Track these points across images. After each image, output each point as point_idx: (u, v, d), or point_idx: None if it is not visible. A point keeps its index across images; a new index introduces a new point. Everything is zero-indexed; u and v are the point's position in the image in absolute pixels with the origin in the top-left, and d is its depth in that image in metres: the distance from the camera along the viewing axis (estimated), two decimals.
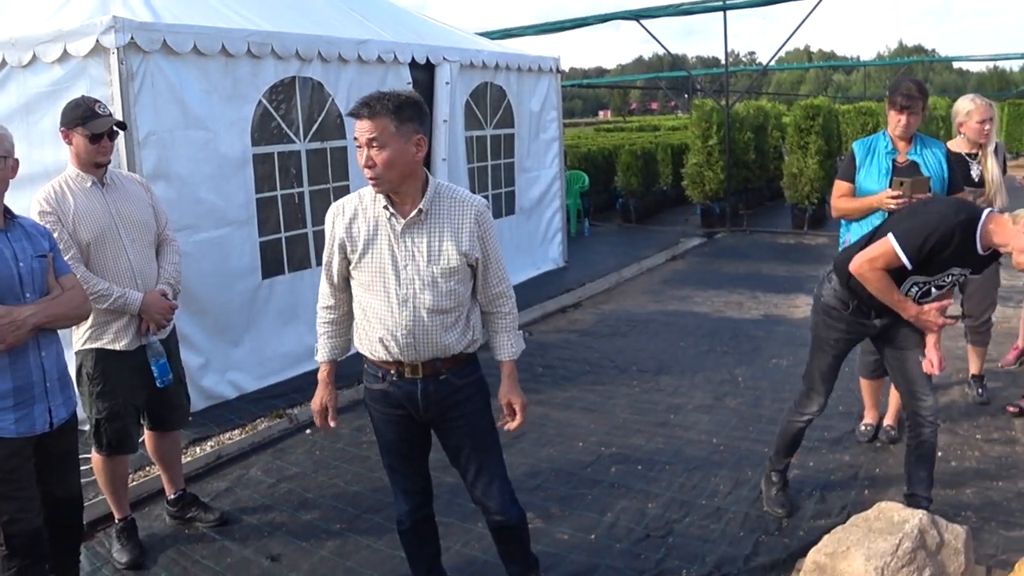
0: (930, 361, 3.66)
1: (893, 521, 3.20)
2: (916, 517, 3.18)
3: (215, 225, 5.52)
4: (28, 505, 2.87)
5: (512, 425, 3.03)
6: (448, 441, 3.02)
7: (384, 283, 2.80)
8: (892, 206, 4.12)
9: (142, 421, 3.97)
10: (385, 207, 2.76)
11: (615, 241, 11.54)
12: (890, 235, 3.41)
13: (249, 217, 5.76)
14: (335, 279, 2.93)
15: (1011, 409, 5.03)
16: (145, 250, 3.81)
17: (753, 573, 3.59)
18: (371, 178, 2.69)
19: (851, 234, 4.50)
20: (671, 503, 4.23)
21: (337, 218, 2.86)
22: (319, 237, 6.20)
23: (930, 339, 3.69)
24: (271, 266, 5.99)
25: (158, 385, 3.76)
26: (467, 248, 2.81)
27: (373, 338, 2.84)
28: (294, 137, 6.07)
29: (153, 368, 3.73)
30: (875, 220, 4.31)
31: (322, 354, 3.04)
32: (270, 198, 5.94)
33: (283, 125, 6.01)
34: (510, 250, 8.41)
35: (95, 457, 3.86)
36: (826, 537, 3.24)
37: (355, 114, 2.67)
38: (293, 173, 6.10)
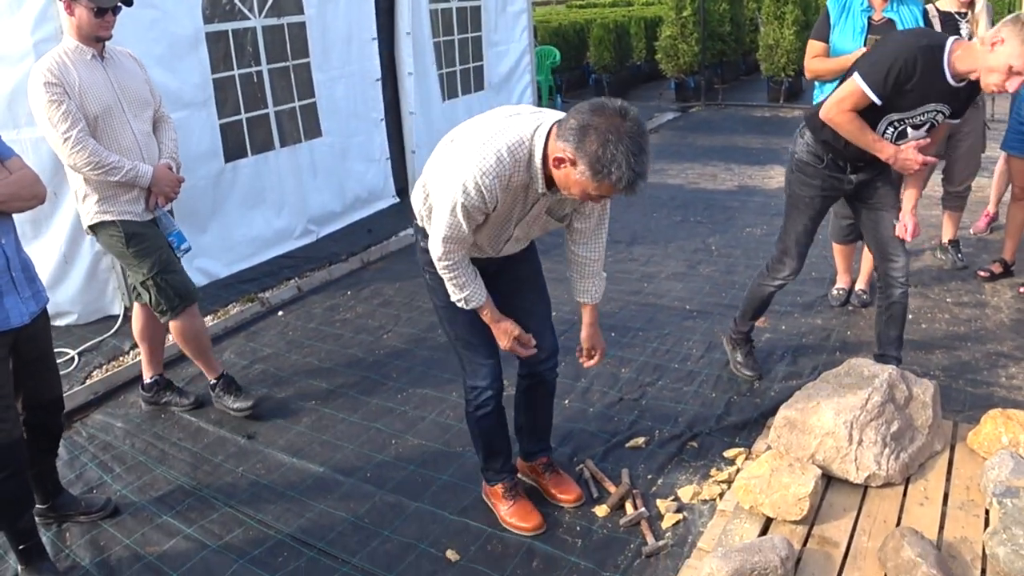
0: (904, 226, 3.60)
1: (863, 376, 3.22)
2: (885, 372, 3.20)
3: (171, 108, 5.24)
4: (5, 415, 2.80)
5: (589, 363, 3.06)
6: (501, 283, 2.95)
7: (502, 230, 2.74)
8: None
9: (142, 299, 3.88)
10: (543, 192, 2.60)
11: None
12: (855, 74, 3.31)
13: (207, 99, 5.54)
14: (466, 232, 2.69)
15: (981, 274, 5.05)
16: (146, 125, 3.76)
17: (725, 432, 3.63)
18: None
19: (825, 96, 4.39)
20: (644, 367, 4.26)
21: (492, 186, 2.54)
22: (281, 118, 6.04)
23: (906, 204, 3.63)
24: (233, 149, 5.80)
25: (178, 254, 3.80)
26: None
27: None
28: (248, 13, 5.80)
29: (171, 239, 3.77)
30: None
31: (475, 302, 2.81)
32: (227, 78, 5.70)
33: (236, 1, 5.73)
34: None
35: (172, 325, 3.86)
36: (797, 393, 3.26)
37: None
38: (250, 52, 5.86)
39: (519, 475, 3.34)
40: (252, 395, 4.15)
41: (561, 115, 2.48)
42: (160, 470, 3.61)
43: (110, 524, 3.28)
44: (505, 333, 2.88)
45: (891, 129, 3.41)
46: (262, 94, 5.96)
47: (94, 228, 3.71)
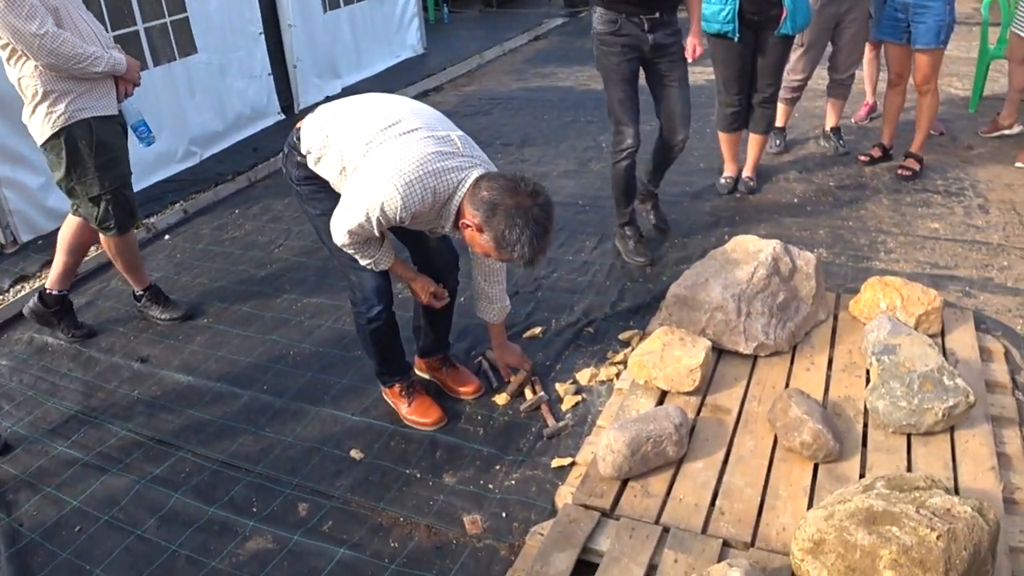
0: (692, 47, 3.94)
1: (748, 252, 3.30)
2: (770, 247, 3.28)
3: None
4: None
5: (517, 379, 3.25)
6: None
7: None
8: None
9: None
10: None
11: (476, 26, 11.11)
12: None
13: None
14: None
15: (862, 158, 5.21)
16: (88, 14, 3.56)
17: (620, 316, 3.70)
18: None
19: None
20: None
21: None
22: (152, 34, 5.72)
23: (693, 27, 3.98)
24: None
25: (144, 146, 3.77)
26: None
27: None
28: None
29: (138, 129, 3.68)
30: None
31: (384, 264, 2.82)
32: None
33: None
34: (365, 39, 8.02)
35: (113, 242, 3.78)
36: (686, 272, 3.33)
37: None
38: None
39: (416, 372, 3.36)
40: (182, 304, 4.09)
41: (483, 169, 2.61)
42: (51, 403, 3.48)
43: (3, 461, 3.15)
44: (422, 290, 2.93)
45: None
46: (129, 10, 5.63)
47: (61, 134, 3.44)
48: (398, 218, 2.52)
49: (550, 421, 3.06)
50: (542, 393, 3.18)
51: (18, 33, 3.19)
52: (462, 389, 3.26)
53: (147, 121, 3.75)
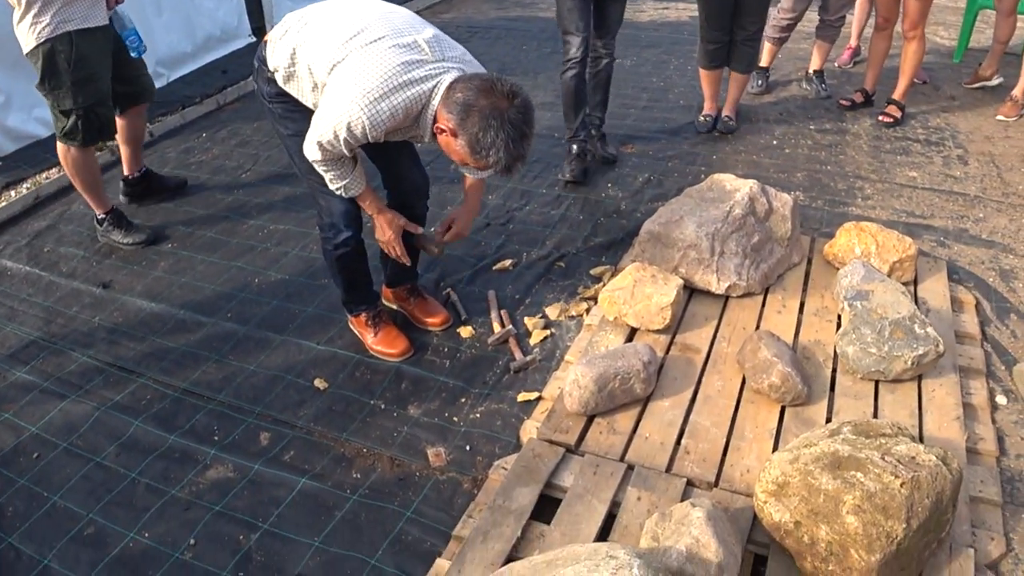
0: None
1: (725, 190, 3.25)
2: (747, 186, 3.24)
3: None
4: None
5: (444, 238, 2.98)
6: None
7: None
8: None
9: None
10: None
11: None
12: None
13: None
14: None
15: (843, 103, 5.14)
16: None
17: (592, 251, 3.65)
18: None
19: None
20: (511, 193, 4.22)
21: None
22: None
23: None
24: None
25: (134, 55, 3.69)
26: None
27: None
28: None
29: (128, 38, 3.64)
30: None
31: (354, 191, 2.70)
32: None
33: None
34: None
35: (71, 154, 3.70)
36: (660, 208, 3.28)
37: None
38: None
39: (383, 302, 3.31)
40: (145, 227, 4.00)
41: (457, 71, 2.43)
42: (10, 327, 3.40)
43: None
44: (389, 224, 2.79)
45: None
46: None
47: (43, 46, 3.40)
48: (369, 137, 2.43)
49: (517, 355, 3.02)
50: (510, 326, 3.15)
51: None
52: (429, 320, 3.21)
53: (138, 30, 3.68)
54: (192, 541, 2.41)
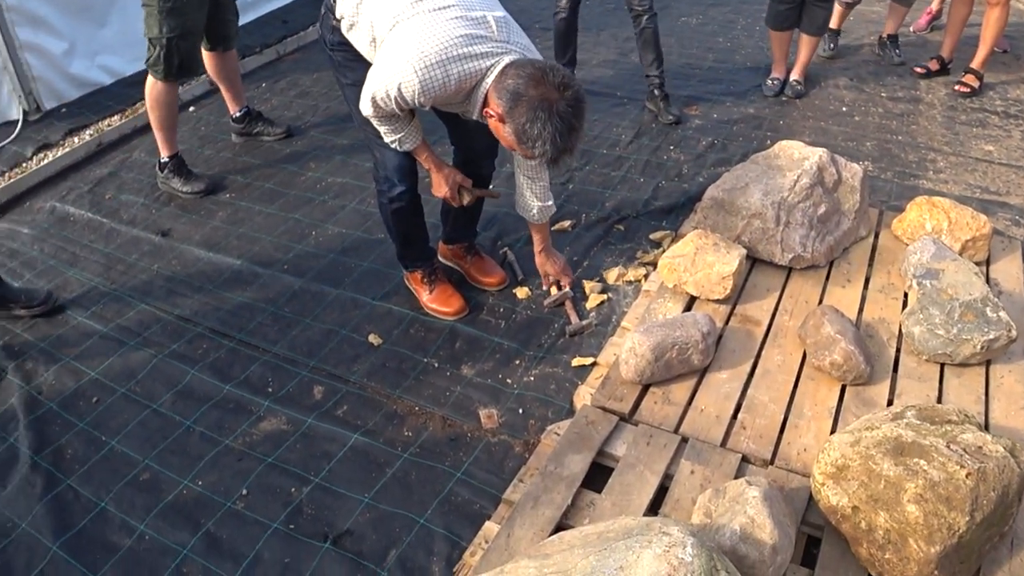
0: None
1: (793, 159, 3.15)
2: (816, 155, 3.13)
3: None
4: None
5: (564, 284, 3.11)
6: None
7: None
8: None
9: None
10: None
11: None
12: None
13: None
14: None
15: (918, 70, 4.94)
16: None
17: (652, 216, 3.58)
18: None
19: None
20: None
21: None
22: None
23: None
24: None
25: None
26: None
27: None
28: None
29: None
30: None
31: (409, 144, 2.67)
32: None
33: None
34: None
35: (155, 87, 3.80)
36: (725, 174, 3.19)
37: None
38: None
39: (440, 258, 3.29)
40: (204, 177, 4.05)
41: (516, 55, 2.41)
42: (72, 272, 3.46)
43: (22, 328, 3.15)
44: (445, 180, 2.75)
45: None
46: None
47: None
48: (416, 101, 2.39)
49: (573, 318, 2.98)
50: (567, 289, 3.10)
51: None
52: (486, 279, 3.18)
53: None
54: (244, 491, 2.43)
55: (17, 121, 4.72)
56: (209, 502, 2.41)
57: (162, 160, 4.00)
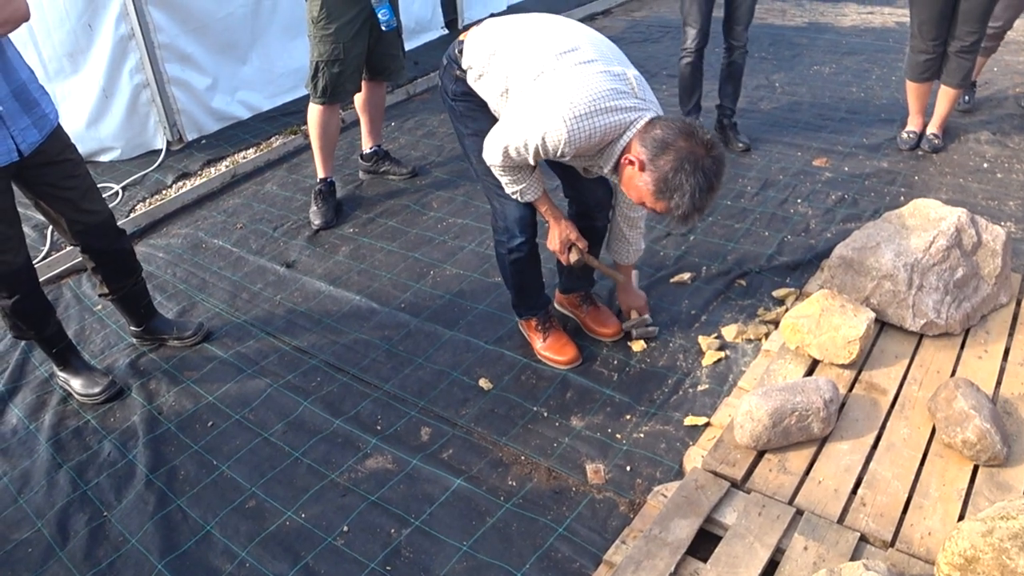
0: None
1: (929, 218, 3.00)
2: (954, 215, 2.97)
3: None
4: (5, 246, 2.72)
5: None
6: None
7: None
8: None
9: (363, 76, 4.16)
10: None
11: None
12: None
13: None
14: None
15: None
16: None
17: (776, 272, 3.46)
18: None
19: None
20: None
21: None
22: None
23: None
24: None
25: (383, 28, 3.89)
26: None
27: None
28: None
29: (378, 11, 3.84)
30: None
31: (531, 196, 2.70)
32: None
33: None
34: None
35: (311, 108, 4.06)
36: (856, 232, 3.05)
37: None
38: None
39: (555, 306, 3.28)
40: (331, 211, 4.19)
41: (657, 112, 2.45)
42: (200, 298, 3.61)
43: (148, 348, 3.30)
44: (562, 232, 2.74)
45: None
46: None
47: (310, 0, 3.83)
48: (560, 152, 2.39)
49: (633, 315, 3.04)
50: (647, 316, 3.12)
51: None
52: (601, 330, 3.13)
53: (391, 7, 3.88)
54: (345, 528, 2.45)
55: (160, 151, 4.99)
56: (310, 535, 2.43)
57: (321, 176, 4.24)
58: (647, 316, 3.12)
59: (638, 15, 7.57)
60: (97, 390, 3.05)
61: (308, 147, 4.98)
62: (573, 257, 2.78)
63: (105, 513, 2.58)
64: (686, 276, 3.46)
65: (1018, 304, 3.04)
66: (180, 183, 4.69)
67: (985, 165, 4.32)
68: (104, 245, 3.04)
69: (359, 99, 4.33)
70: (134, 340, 3.34)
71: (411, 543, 2.38)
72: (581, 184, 2.87)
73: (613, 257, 3.02)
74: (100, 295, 3.21)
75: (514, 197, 2.68)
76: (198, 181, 4.67)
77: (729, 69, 4.53)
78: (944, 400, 2.44)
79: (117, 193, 4.60)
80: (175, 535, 2.48)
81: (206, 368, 3.17)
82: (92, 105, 4.86)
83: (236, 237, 4.08)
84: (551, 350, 3.05)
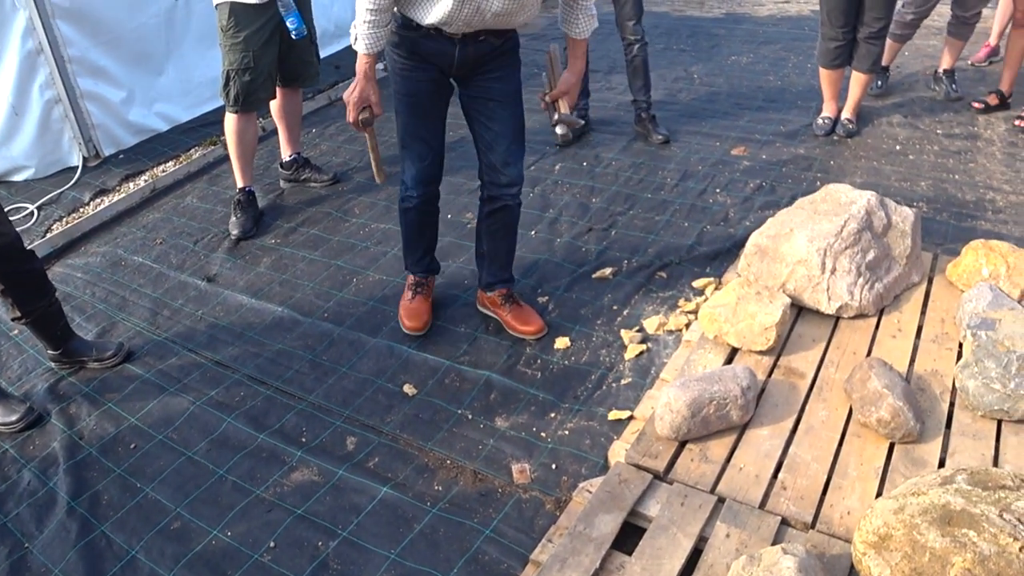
0: None
1: (840, 203, 3.06)
2: (864, 198, 3.03)
3: None
4: None
5: (554, 97, 2.90)
6: (475, 100, 2.88)
7: None
8: None
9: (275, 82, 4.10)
10: None
11: None
12: None
13: None
14: None
15: (976, 105, 4.80)
16: None
17: (696, 262, 3.50)
18: None
19: None
20: (615, 197, 4.10)
21: None
22: None
23: None
24: None
25: (293, 37, 3.86)
26: None
27: (420, 13, 2.64)
28: None
29: (286, 19, 3.80)
30: None
31: (363, 45, 2.69)
32: None
33: None
34: None
35: (226, 118, 4.02)
36: (770, 220, 3.10)
37: None
38: None
39: (479, 307, 3.30)
40: (250, 221, 4.12)
41: None
42: (120, 317, 3.51)
43: (67, 371, 3.20)
44: (362, 91, 2.74)
45: None
46: None
47: (218, 7, 3.79)
48: None
49: (563, 109, 2.88)
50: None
51: None
52: (524, 328, 3.14)
53: (300, 15, 3.84)
54: (272, 544, 2.41)
55: (76, 168, 4.86)
56: (236, 554, 2.39)
57: (241, 186, 4.18)
58: (574, 114, 3.01)
59: (557, 12, 7.59)
60: (14, 418, 2.96)
61: (228, 158, 4.91)
62: (362, 116, 2.79)
63: (26, 545, 2.50)
64: (608, 271, 3.48)
65: (929, 282, 3.12)
66: (98, 200, 4.56)
67: (898, 147, 4.43)
68: (11, 267, 2.95)
69: (275, 106, 4.28)
70: (52, 364, 3.24)
71: (339, 555, 2.36)
72: (491, 136, 2.90)
73: (567, 30, 2.88)
74: (13, 319, 3.11)
75: (352, 42, 2.72)
76: (116, 197, 4.55)
77: (632, 64, 4.59)
78: (859, 381, 2.49)
79: (32, 213, 4.46)
80: (100, 562, 2.41)
81: (127, 389, 3.09)
82: (1, 124, 4.71)
83: (156, 253, 3.99)
84: (405, 312, 3.27)
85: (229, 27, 3.74)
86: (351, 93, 2.75)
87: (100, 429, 2.91)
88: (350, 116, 2.78)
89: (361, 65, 2.72)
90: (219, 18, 3.77)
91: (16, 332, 3.48)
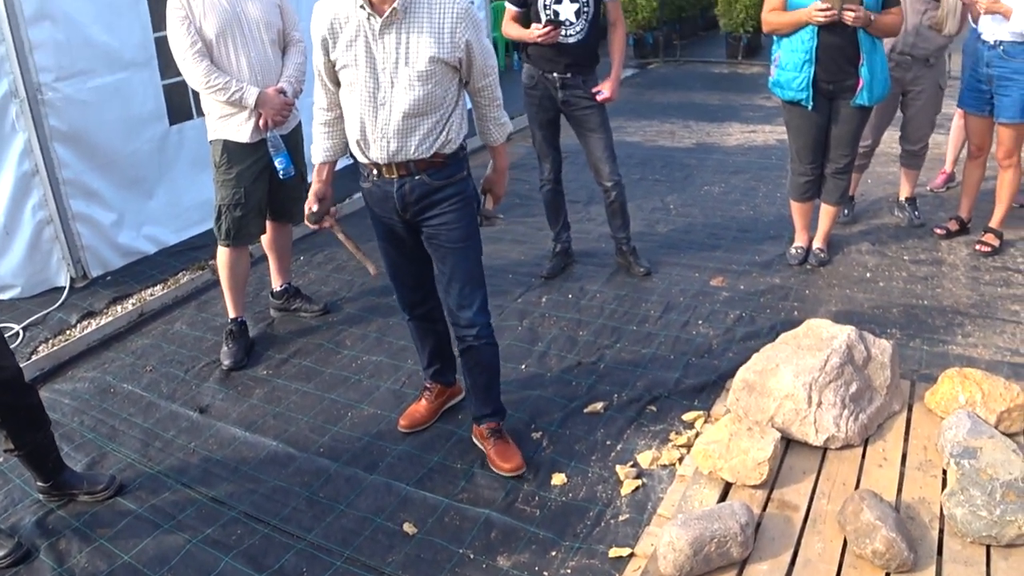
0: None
1: (821, 337, 3.19)
2: (844, 333, 3.17)
3: (110, 69, 5.07)
4: None
5: (488, 205, 3.19)
6: (429, 242, 3.05)
7: (363, 84, 2.76)
8: (821, 20, 3.98)
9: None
10: (362, 6, 2.66)
11: None
12: None
13: (148, 58, 5.31)
14: (324, 79, 2.90)
15: (938, 231, 5.04)
16: (266, 48, 3.92)
17: (683, 395, 3.60)
18: None
19: (781, 51, 4.33)
20: (602, 330, 4.21)
21: (318, 16, 2.78)
22: None
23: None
24: (178, 111, 5.58)
25: (280, 177, 3.97)
26: (448, 50, 2.73)
27: (352, 140, 2.90)
28: None
29: (274, 160, 3.93)
30: (804, 36, 4.14)
31: (316, 155, 3.01)
32: None
33: None
34: None
35: (219, 251, 4.13)
36: (755, 356, 3.22)
37: None
38: None
39: (473, 437, 3.35)
40: (242, 351, 4.18)
41: None
42: (110, 447, 3.51)
43: (56, 504, 3.17)
44: (314, 196, 3.08)
45: None
46: None
47: (212, 143, 3.96)
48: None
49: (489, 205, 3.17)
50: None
51: (175, 53, 3.76)
52: (502, 465, 3.19)
53: (289, 156, 3.98)
54: None
55: (63, 288, 4.89)
56: None
57: (232, 316, 4.25)
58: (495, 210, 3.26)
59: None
60: (2, 554, 2.91)
61: (217, 284, 4.97)
62: (314, 211, 3.11)
63: None
64: (599, 405, 3.56)
65: (909, 409, 3.23)
66: (85, 322, 4.58)
67: (868, 275, 4.62)
68: (11, 400, 2.96)
69: (265, 239, 4.40)
70: (40, 496, 3.20)
71: None
72: (446, 280, 3.09)
73: (483, 140, 3.12)
74: (5, 451, 3.08)
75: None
76: (104, 320, 4.59)
77: (611, 208, 4.72)
78: (852, 513, 2.56)
79: (18, 334, 4.46)
80: None
81: (120, 524, 3.06)
82: None
83: (146, 381, 4.01)
84: (406, 410, 3.54)
85: (222, 163, 3.90)
86: (310, 200, 3.07)
87: (92, 567, 2.87)
88: (308, 221, 3.11)
89: (316, 174, 3.06)
90: (212, 154, 3.93)
91: (2, 462, 3.44)
